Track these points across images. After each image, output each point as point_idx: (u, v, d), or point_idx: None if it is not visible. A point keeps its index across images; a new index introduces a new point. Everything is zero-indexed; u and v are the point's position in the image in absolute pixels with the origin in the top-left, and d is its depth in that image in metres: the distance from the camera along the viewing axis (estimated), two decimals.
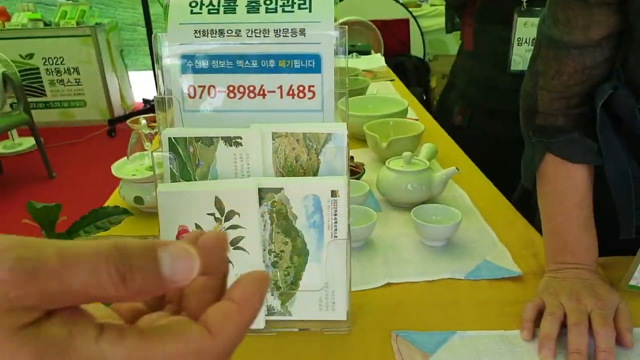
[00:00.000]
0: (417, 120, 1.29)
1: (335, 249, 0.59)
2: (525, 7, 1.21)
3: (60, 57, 4.17)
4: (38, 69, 4.19)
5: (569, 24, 0.63)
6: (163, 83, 0.63)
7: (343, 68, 0.62)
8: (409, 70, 3.52)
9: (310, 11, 0.59)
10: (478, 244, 0.75)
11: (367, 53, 2.18)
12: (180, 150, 0.61)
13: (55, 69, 4.22)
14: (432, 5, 4.13)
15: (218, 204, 0.59)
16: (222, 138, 0.60)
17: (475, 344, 0.56)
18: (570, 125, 0.67)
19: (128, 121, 0.93)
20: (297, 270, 0.61)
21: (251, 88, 0.63)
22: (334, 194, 0.58)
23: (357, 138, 1.19)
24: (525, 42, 1.26)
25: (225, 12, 0.60)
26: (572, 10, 0.62)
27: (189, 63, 0.62)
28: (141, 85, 5.08)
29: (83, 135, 4.25)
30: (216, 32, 0.60)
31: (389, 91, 1.67)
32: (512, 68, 1.28)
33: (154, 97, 0.62)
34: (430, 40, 4.13)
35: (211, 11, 0.60)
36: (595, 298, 0.58)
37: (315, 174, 0.61)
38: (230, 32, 0.60)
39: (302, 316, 0.62)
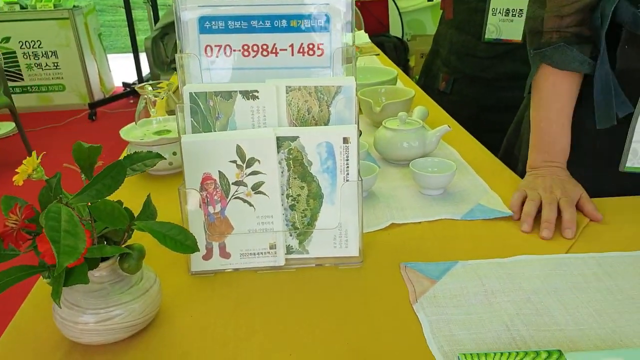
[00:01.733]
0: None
1: (349, 190, 0.65)
2: None
3: (37, 41, 4.10)
4: (15, 52, 4.12)
5: None
6: (181, 43, 0.67)
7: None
8: (389, 50, 3.58)
9: None
10: (471, 192, 0.82)
11: None
12: (200, 103, 0.65)
13: (32, 52, 4.15)
14: None
15: (239, 151, 0.64)
16: (240, 92, 0.65)
17: (476, 270, 0.63)
18: (562, 42, 0.79)
19: (136, 87, 0.97)
20: (313, 212, 0.66)
21: (264, 47, 0.68)
22: (345, 140, 0.64)
23: None
24: (499, 12, 1.36)
25: None
26: None
27: (207, 24, 0.66)
28: (121, 68, 5.02)
29: (63, 119, 4.20)
30: None
31: (375, 64, 1.73)
32: (486, 36, 1.38)
33: (177, 55, 0.66)
34: (408, 20, 4.19)
35: None
36: (563, 190, 0.76)
37: (326, 124, 0.66)
38: None
39: (318, 253, 0.68)
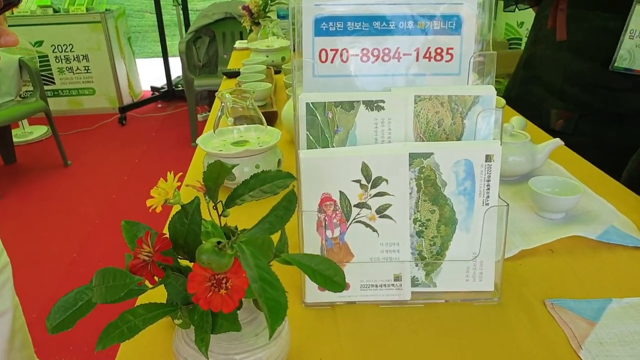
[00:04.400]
0: None
1: (489, 216, 0.57)
2: None
3: (69, 44, 4.10)
4: (47, 56, 4.12)
5: None
6: (295, 46, 0.60)
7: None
8: None
9: None
10: (599, 214, 0.73)
11: None
12: (318, 115, 0.58)
13: (64, 56, 4.15)
14: None
15: (365, 170, 0.56)
16: (364, 102, 0.58)
17: (638, 310, 0.55)
18: None
19: (217, 94, 0.90)
20: (443, 240, 0.59)
21: (386, 51, 0.60)
22: (488, 158, 0.56)
23: None
24: (639, 35, 1.07)
25: None
26: None
27: (323, 25, 0.59)
28: (148, 73, 5.02)
29: (94, 123, 4.20)
30: None
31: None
32: (615, 64, 1.10)
33: (286, 79, 0.59)
34: None
35: None
36: None
37: (458, 138, 0.59)
38: None
39: (448, 287, 0.60)
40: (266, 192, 0.49)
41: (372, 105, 0.58)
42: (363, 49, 0.60)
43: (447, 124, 0.58)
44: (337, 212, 0.58)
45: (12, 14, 3.98)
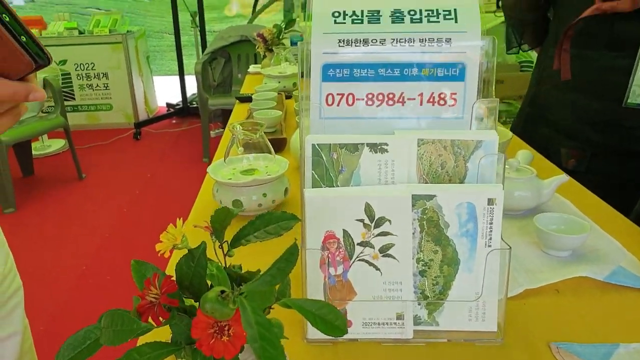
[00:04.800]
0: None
1: (492, 259, 0.58)
2: None
3: (91, 63, 4.22)
4: (69, 74, 4.25)
5: None
6: (303, 90, 0.62)
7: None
8: None
9: (456, 22, 0.59)
10: (606, 252, 0.73)
11: None
12: (323, 155, 0.60)
13: (85, 74, 4.27)
14: None
15: (368, 210, 0.58)
16: (368, 144, 0.60)
17: None
18: None
19: (228, 126, 0.93)
20: (446, 280, 0.60)
21: (390, 95, 0.62)
22: (490, 202, 0.57)
23: None
24: None
25: (369, 22, 0.60)
26: None
27: (331, 71, 0.61)
28: (164, 90, 5.12)
29: (109, 138, 4.28)
30: (360, 41, 0.60)
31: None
32: (629, 101, 1.08)
33: (296, 106, 0.61)
34: None
35: (355, 21, 0.60)
36: None
37: (461, 181, 0.60)
38: (375, 41, 0.59)
39: (450, 326, 0.61)
40: (270, 233, 0.50)
41: (376, 147, 0.59)
42: (368, 94, 0.62)
43: (450, 166, 0.60)
44: (341, 250, 0.59)
45: (40, 35, 4.12)
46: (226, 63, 3.72)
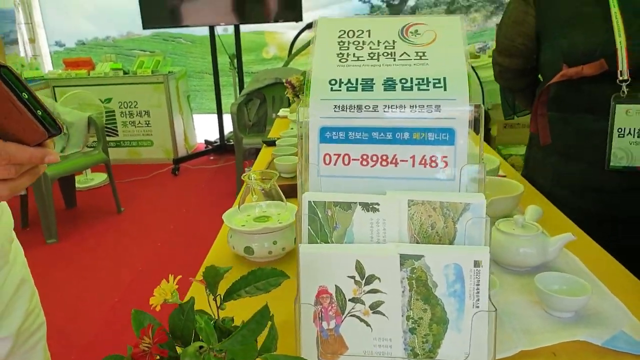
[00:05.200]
0: (505, 176, 1.28)
1: (479, 320, 0.59)
2: (626, 93, 1.06)
3: (134, 102, 4.47)
4: (114, 111, 4.50)
5: None
6: (303, 151, 0.66)
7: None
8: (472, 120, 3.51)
9: (445, 89, 0.62)
10: (609, 315, 0.72)
11: None
12: (319, 212, 0.63)
13: (128, 111, 4.51)
14: (489, 56, 4.16)
15: (359, 267, 0.61)
16: (360, 203, 0.63)
17: None
18: None
19: (243, 176, 0.98)
20: (435, 338, 0.61)
21: (384, 157, 0.65)
22: (477, 264, 0.59)
23: None
24: (629, 132, 1.06)
25: (363, 90, 0.64)
26: None
27: (327, 134, 0.65)
28: (204, 127, 5.32)
29: (149, 173, 4.47)
30: (354, 107, 0.64)
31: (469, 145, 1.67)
32: (611, 164, 1.09)
33: (297, 167, 0.66)
34: (489, 90, 4.13)
35: (350, 89, 0.64)
36: None
37: (451, 241, 0.62)
38: (368, 107, 0.63)
39: None
40: (260, 289, 0.54)
41: (368, 206, 0.63)
42: (363, 154, 0.65)
43: (440, 227, 0.62)
44: (333, 305, 0.62)
45: (89, 75, 4.42)
46: (261, 104, 3.86)
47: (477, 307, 0.59)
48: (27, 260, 0.88)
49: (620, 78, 1.06)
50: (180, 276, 0.50)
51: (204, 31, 4.41)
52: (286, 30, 4.94)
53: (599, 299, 0.76)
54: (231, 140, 4.79)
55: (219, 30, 4.43)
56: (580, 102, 1.15)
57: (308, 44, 4.41)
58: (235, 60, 4.48)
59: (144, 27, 4.15)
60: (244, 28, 4.44)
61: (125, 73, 4.48)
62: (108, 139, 4.49)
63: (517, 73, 1.31)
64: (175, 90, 4.61)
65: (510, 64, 1.31)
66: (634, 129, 1.06)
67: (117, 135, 4.64)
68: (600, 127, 1.10)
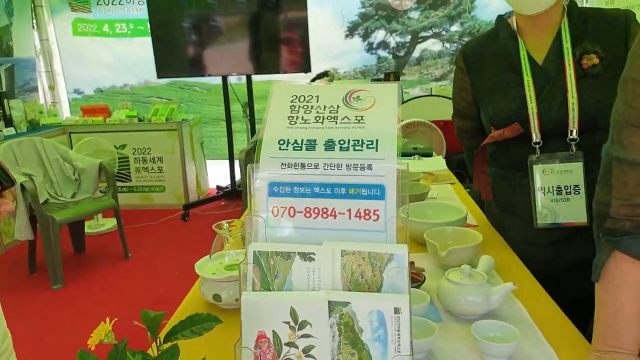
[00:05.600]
0: (477, 226, 1.33)
1: None
2: (539, 156, 1.14)
3: (148, 148, 4.64)
4: (128, 157, 4.68)
5: (631, 146, 0.74)
6: (251, 205, 0.73)
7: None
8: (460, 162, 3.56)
9: (376, 150, 0.70)
10: None
11: (429, 155, 2.29)
12: (262, 262, 0.70)
13: (142, 157, 4.68)
14: None
15: (293, 313, 0.66)
16: (299, 253, 0.69)
17: None
18: (635, 229, 0.75)
19: (213, 226, 1.06)
20: None
21: (324, 210, 0.72)
22: (396, 310, 0.64)
23: (418, 242, 1.25)
24: (549, 190, 1.11)
25: (306, 150, 0.72)
26: (634, 135, 0.74)
27: (275, 188, 0.73)
28: (218, 172, 5.47)
29: (159, 218, 4.57)
30: (299, 165, 0.71)
31: (449, 194, 1.73)
32: (539, 222, 1.14)
33: (245, 218, 0.73)
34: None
35: (295, 148, 0.72)
36: None
37: (379, 289, 0.67)
38: (310, 165, 0.71)
39: None
40: (195, 332, 0.60)
41: (305, 256, 0.69)
42: (306, 207, 0.72)
43: (369, 276, 0.68)
44: (270, 349, 0.67)
45: (104, 121, 4.63)
46: None
47: (399, 352, 0.64)
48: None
49: (535, 140, 1.14)
50: (116, 319, 0.57)
51: (219, 80, 4.63)
52: (296, 79, 5.15)
53: (532, 346, 0.80)
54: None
55: (232, 79, 4.64)
56: (509, 160, 1.24)
57: None
58: (247, 109, 4.66)
59: (158, 77, 4.37)
60: (256, 77, 4.64)
61: (140, 120, 4.67)
62: (121, 184, 4.66)
63: (470, 133, 1.39)
64: (188, 137, 4.78)
65: (463, 125, 1.40)
66: (553, 186, 1.12)
67: (131, 180, 4.79)
68: (527, 184, 1.17)
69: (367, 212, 0.71)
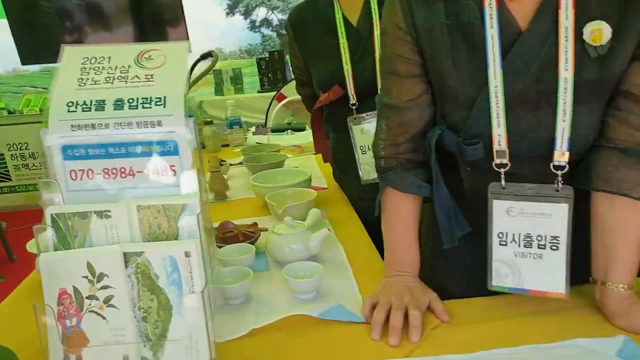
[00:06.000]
0: (326, 188, 1.42)
1: (192, 302, 0.69)
2: (355, 115, 1.23)
3: (25, 143, 4.30)
4: (3, 154, 4.30)
5: (390, 92, 0.83)
6: (49, 169, 0.74)
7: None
8: None
9: (165, 107, 0.73)
10: (339, 293, 0.86)
11: (302, 130, 2.38)
12: (60, 224, 0.72)
13: (20, 154, 4.33)
14: None
15: (90, 267, 0.69)
16: (95, 212, 0.72)
17: None
18: (399, 167, 0.85)
19: None
20: (164, 324, 0.70)
21: (122, 169, 0.75)
22: (187, 254, 0.69)
23: (266, 206, 1.31)
24: (369, 149, 1.18)
25: (96, 110, 0.73)
26: (390, 82, 0.83)
27: (69, 152, 0.74)
28: None
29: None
30: (89, 126, 0.73)
31: (311, 163, 1.82)
32: (364, 178, 1.23)
33: (40, 183, 0.74)
34: None
35: (84, 109, 0.73)
36: (412, 296, 0.81)
37: (176, 238, 0.72)
38: (101, 125, 0.73)
39: None
40: None
41: (101, 214, 0.72)
42: (104, 169, 0.75)
43: (165, 227, 0.72)
44: (73, 304, 0.70)
45: None
46: None
47: (193, 292, 0.69)
48: None
49: (351, 102, 1.23)
50: None
51: None
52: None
53: (341, 281, 0.90)
54: None
55: None
56: (338, 123, 1.33)
57: (204, 73, 4.49)
58: None
59: (23, 63, 4.02)
60: None
61: (10, 113, 4.30)
62: (0, 184, 4.30)
63: (312, 100, 1.47)
64: None
65: (304, 92, 1.48)
66: (369, 145, 1.20)
67: (11, 180, 4.43)
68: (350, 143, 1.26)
69: (163, 168, 0.75)
